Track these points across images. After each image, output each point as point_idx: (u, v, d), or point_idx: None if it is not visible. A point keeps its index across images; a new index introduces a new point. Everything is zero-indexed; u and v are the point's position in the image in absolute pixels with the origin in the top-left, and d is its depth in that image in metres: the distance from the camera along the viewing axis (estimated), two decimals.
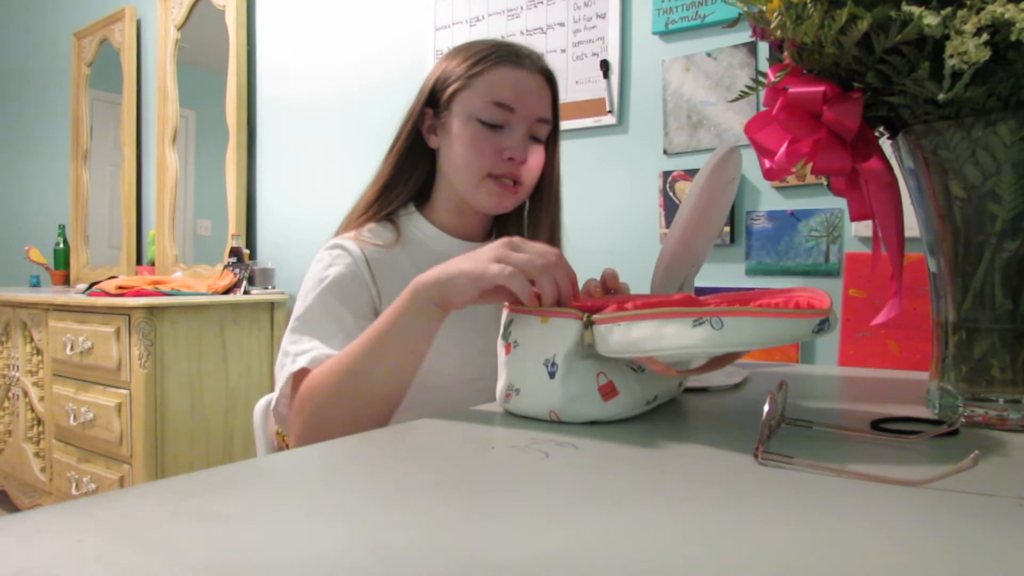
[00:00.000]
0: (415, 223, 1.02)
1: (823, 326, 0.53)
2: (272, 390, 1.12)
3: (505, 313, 0.69)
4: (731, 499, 0.43)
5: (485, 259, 0.67)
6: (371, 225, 1.00)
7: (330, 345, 0.84)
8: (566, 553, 0.34)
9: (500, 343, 0.69)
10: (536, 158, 0.97)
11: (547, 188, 1.03)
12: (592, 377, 0.60)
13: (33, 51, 3.92)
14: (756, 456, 0.50)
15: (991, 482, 0.46)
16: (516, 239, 0.70)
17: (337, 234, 1.02)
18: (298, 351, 0.84)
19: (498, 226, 1.07)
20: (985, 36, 0.54)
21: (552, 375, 0.62)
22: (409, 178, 1.01)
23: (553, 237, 1.05)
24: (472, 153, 0.93)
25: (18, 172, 4.05)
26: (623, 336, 0.57)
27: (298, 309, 0.91)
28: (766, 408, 0.51)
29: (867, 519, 0.40)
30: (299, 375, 0.83)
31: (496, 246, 0.69)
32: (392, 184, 1.01)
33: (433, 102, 0.98)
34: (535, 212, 1.05)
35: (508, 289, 0.66)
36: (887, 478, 0.46)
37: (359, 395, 0.76)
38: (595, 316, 0.59)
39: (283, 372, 0.85)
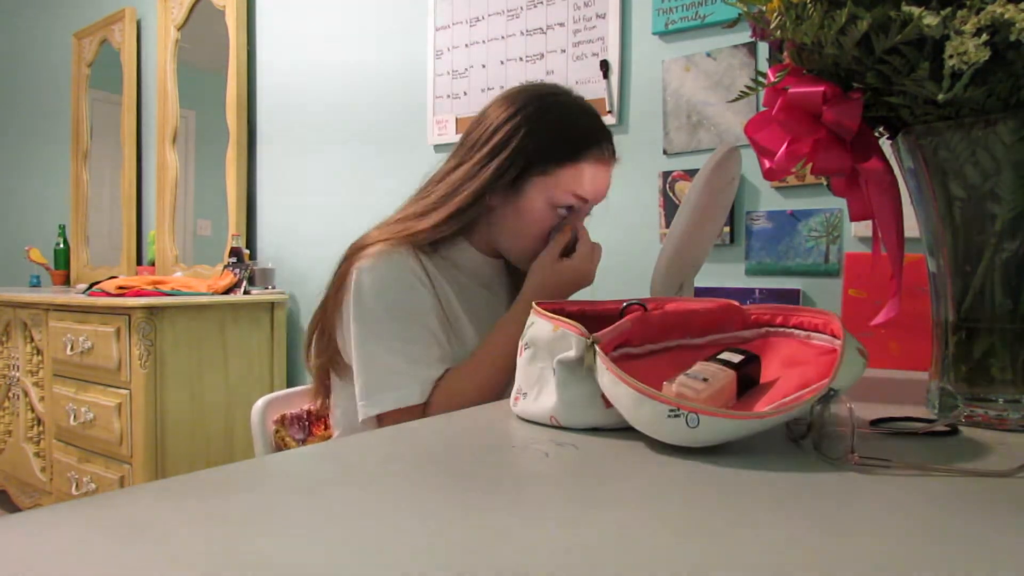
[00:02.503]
0: (459, 248, 1.05)
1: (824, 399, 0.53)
2: (271, 390, 1.13)
3: (531, 314, 0.69)
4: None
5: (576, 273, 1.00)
6: (422, 239, 1.01)
7: (427, 363, 0.93)
8: (567, 553, 0.34)
9: (519, 343, 0.69)
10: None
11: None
12: (594, 383, 0.60)
13: (33, 51, 3.92)
14: (850, 460, 0.49)
15: None
16: (555, 251, 1.00)
17: (383, 229, 1.03)
18: (405, 374, 0.92)
19: None
20: (985, 36, 0.54)
21: (555, 380, 0.62)
22: (461, 221, 1.01)
23: None
24: (539, 233, 1.01)
25: (18, 172, 4.05)
26: (611, 387, 0.56)
27: (365, 316, 0.93)
28: (850, 411, 0.49)
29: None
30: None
31: (561, 265, 1.00)
32: (445, 225, 1.01)
33: (506, 173, 0.98)
34: None
35: None
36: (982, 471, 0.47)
37: (497, 387, 0.93)
38: (599, 345, 0.58)
39: (390, 396, 0.91)
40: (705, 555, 0.34)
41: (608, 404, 0.58)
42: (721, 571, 0.33)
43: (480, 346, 0.97)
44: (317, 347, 1.03)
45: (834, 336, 0.63)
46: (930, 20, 0.55)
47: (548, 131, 0.98)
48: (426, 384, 0.92)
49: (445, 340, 0.97)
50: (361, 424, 0.94)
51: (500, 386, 0.93)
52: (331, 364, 1.01)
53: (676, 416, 0.51)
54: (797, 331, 0.68)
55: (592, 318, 0.72)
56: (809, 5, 0.62)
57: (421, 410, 0.91)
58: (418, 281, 0.95)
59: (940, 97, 0.58)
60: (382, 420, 0.92)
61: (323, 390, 1.06)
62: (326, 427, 1.13)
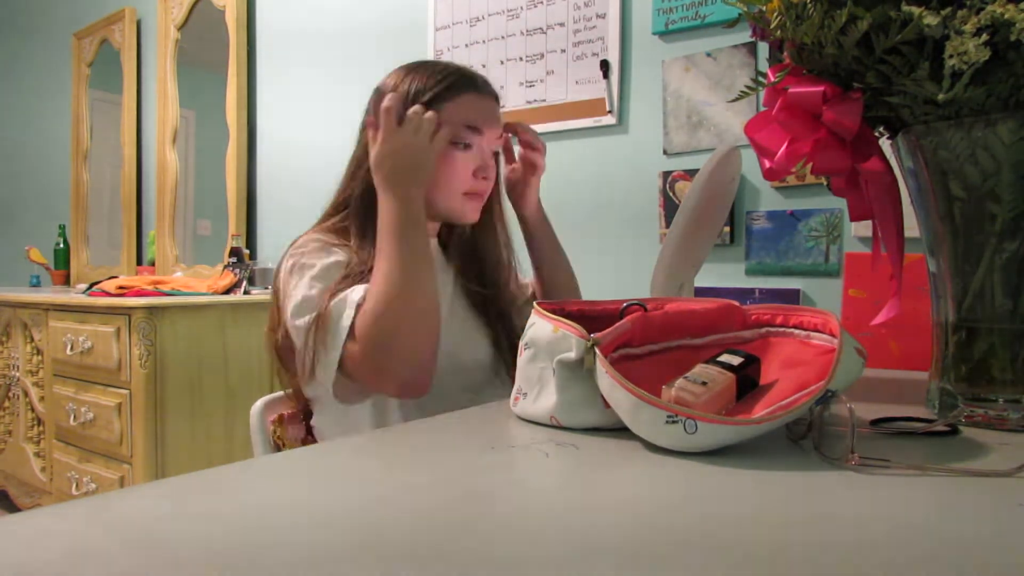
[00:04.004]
0: (368, 229, 1.02)
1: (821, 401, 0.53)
2: (271, 390, 1.12)
3: (531, 314, 0.69)
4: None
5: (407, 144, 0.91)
6: (334, 232, 1.02)
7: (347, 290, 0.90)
8: (571, 552, 0.34)
9: (520, 343, 0.69)
10: (495, 172, 1.07)
11: (496, 193, 1.11)
12: (594, 383, 0.60)
13: (33, 51, 3.92)
14: (850, 461, 0.49)
15: None
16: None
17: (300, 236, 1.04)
18: (337, 314, 0.87)
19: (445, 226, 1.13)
20: (985, 36, 0.54)
21: (555, 381, 0.61)
22: (365, 190, 1.02)
23: (506, 233, 1.14)
24: (453, 175, 1.00)
25: (18, 172, 4.05)
26: (609, 390, 0.56)
27: (298, 290, 0.91)
28: (850, 411, 0.50)
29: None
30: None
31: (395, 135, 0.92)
32: (355, 196, 1.04)
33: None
34: (493, 210, 1.12)
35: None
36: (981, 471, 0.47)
37: (410, 301, 0.86)
38: (599, 347, 0.58)
39: (333, 332, 0.87)
40: (705, 555, 0.34)
41: (608, 404, 0.58)
42: (721, 571, 0.33)
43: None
44: (283, 346, 1.00)
45: (832, 336, 0.63)
46: (930, 20, 0.55)
47: (425, 77, 1.01)
48: (348, 304, 0.88)
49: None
50: (337, 397, 0.90)
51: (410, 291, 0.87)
52: (293, 363, 0.99)
53: (674, 422, 0.51)
54: (797, 331, 0.68)
55: (592, 318, 0.72)
56: (809, 5, 0.62)
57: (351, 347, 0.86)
58: (340, 252, 0.96)
59: (940, 97, 0.58)
60: (343, 375, 0.88)
61: (294, 393, 1.07)
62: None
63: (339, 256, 0.95)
